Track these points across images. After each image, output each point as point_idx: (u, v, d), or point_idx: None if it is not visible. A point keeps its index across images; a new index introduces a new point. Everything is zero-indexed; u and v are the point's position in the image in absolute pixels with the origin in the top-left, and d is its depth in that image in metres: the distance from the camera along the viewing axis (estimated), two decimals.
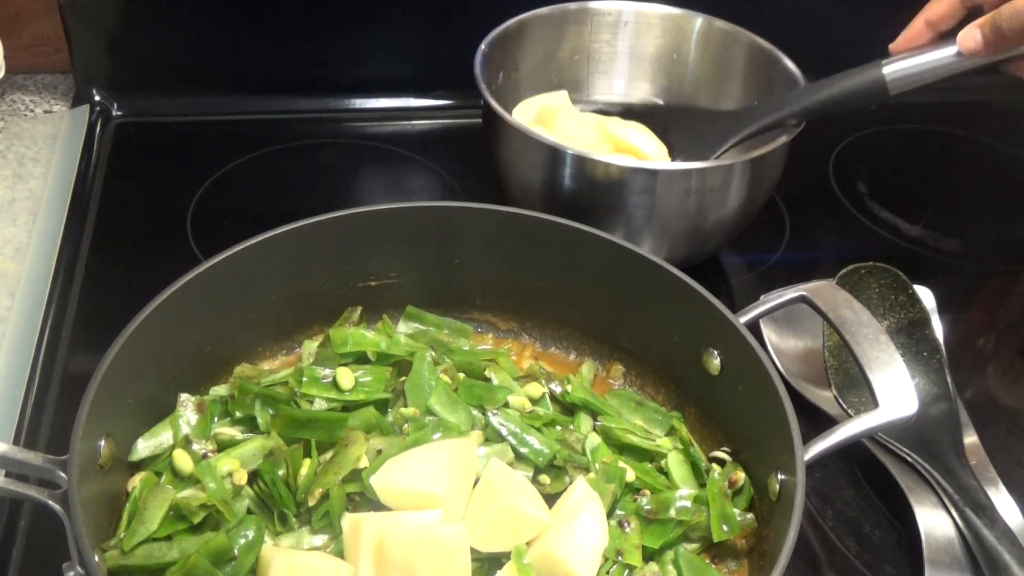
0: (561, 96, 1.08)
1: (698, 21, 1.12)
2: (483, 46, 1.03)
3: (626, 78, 1.16)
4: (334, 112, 1.28)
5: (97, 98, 1.23)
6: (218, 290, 0.79)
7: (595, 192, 0.94)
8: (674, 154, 1.05)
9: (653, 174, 0.93)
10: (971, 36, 0.87)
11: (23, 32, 1.24)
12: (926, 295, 0.95)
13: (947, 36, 0.91)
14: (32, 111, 1.24)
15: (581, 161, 0.94)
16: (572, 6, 1.11)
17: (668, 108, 1.07)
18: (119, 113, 1.23)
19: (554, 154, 0.94)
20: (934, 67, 0.91)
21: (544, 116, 1.05)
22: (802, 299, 0.79)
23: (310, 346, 0.86)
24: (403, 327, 0.89)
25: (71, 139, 1.18)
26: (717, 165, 0.95)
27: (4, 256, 1.03)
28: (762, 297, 0.81)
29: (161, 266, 0.83)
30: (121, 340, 0.71)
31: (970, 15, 0.90)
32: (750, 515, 0.75)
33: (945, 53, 0.90)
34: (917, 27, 0.92)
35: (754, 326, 0.80)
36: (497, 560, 0.69)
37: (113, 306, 0.80)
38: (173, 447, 0.74)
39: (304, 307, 0.87)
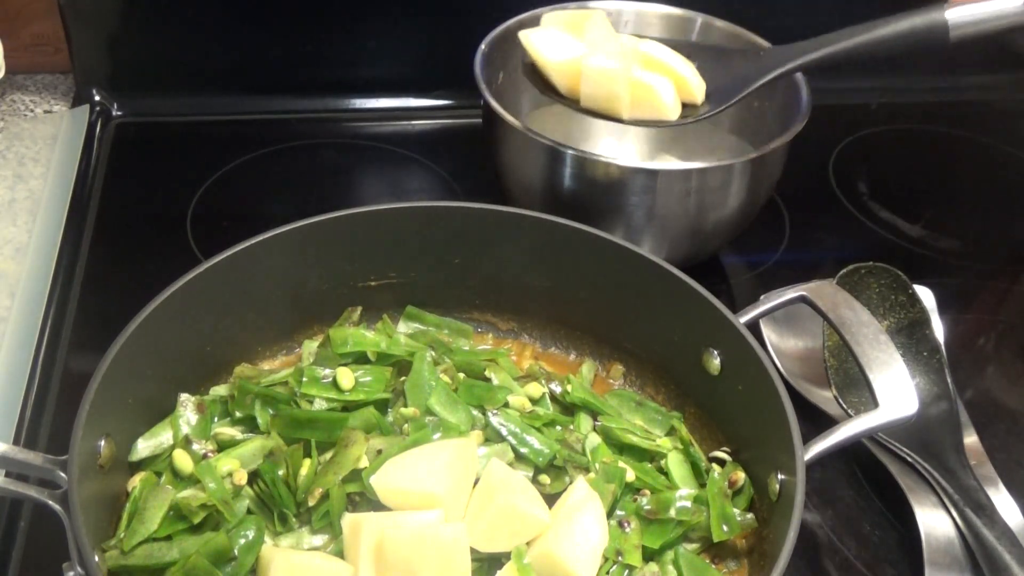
0: (600, 12, 1.03)
1: (698, 21, 1.12)
2: (483, 46, 1.03)
3: None
4: (334, 112, 1.28)
5: (97, 98, 1.23)
6: (218, 290, 0.79)
7: (595, 192, 0.94)
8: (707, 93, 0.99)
9: (653, 174, 0.93)
10: None
11: (23, 32, 1.24)
12: (926, 295, 0.95)
13: None
14: (32, 111, 1.24)
15: (581, 161, 0.94)
16: (572, 6, 1.11)
17: (698, 46, 1.03)
18: (119, 113, 1.23)
19: (554, 154, 0.94)
20: (999, 14, 0.87)
21: (575, 22, 1.00)
22: (802, 299, 0.79)
23: (310, 346, 0.86)
24: (403, 327, 0.89)
25: (71, 139, 1.18)
26: (717, 165, 0.95)
27: (4, 256, 1.03)
28: (762, 297, 0.81)
29: (161, 266, 0.83)
30: (121, 340, 0.71)
31: None
32: (750, 515, 0.75)
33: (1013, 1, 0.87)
34: None
35: (754, 326, 0.80)
36: (497, 560, 0.69)
37: (113, 306, 0.80)
38: (173, 447, 0.74)
39: (304, 307, 0.87)
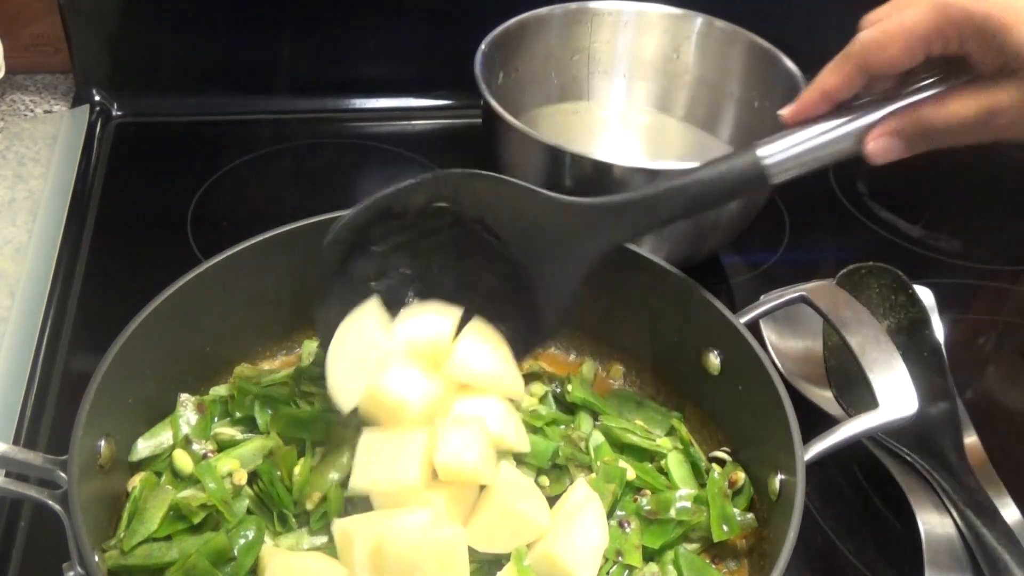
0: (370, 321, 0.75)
1: (698, 21, 1.12)
2: (483, 46, 1.03)
3: (626, 78, 1.16)
4: (334, 112, 1.28)
5: (97, 98, 1.23)
6: (218, 290, 0.79)
7: (595, 192, 0.94)
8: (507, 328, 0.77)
9: (653, 174, 0.93)
10: (885, 148, 0.71)
11: (23, 32, 1.24)
12: (926, 295, 0.95)
13: (844, 107, 0.72)
14: (32, 111, 1.24)
15: (581, 161, 0.94)
16: (572, 6, 1.11)
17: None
18: (119, 113, 1.23)
19: (554, 154, 0.94)
20: (821, 150, 0.72)
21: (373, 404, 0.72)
22: (802, 299, 0.79)
23: (310, 346, 0.86)
24: None
25: (71, 139, 1.18)
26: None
27: (4, 256, 1.03)
28: (762, 297, 0.81)
29: (161, 266, 0.83)
30: (121, 340, 0.71)
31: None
32: (750, 515, 0.75)
33: (837, 136, 0.71)
34: (811, 98, 0.73)
35: (754, 326, 0.80)
36: (497, 561, 0.69)
37: (113, 306, 0.80)
38: (173, 447, 0.74)
39: (304, 307, 0.86)
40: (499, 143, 1.00)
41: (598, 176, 0.94)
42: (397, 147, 1.23)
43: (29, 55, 1.26)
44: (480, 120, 1.03)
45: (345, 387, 0.72)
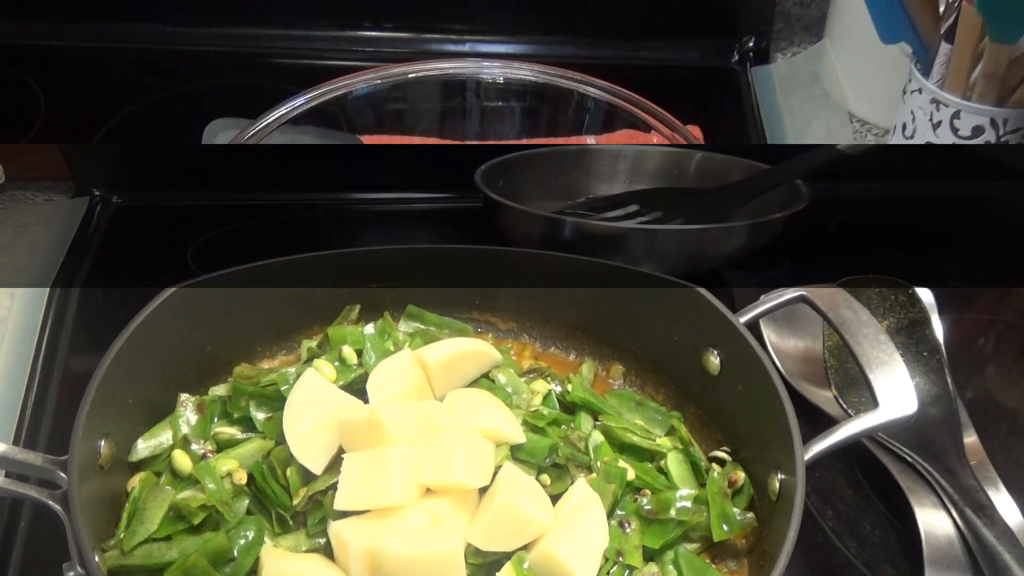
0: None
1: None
2: (483, 167, 1.06)
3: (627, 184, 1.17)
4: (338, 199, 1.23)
5: (97, 193, 1.16)
6: (218, 290, 0.79)
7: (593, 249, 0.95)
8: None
9: (652, 234, 0.97)
10: None
11: (24, 159, 1.15)
12: (926, 295, 0.95)
13: None
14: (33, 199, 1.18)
15: (579, 226, 0.98)
16: (572, 148, 1.11)
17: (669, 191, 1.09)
18: (119, 200, 1.17)
19: (554, 223, 0.98)
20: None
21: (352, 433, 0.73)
22: (802, 299, 0.79)
23: (309, 345, 0.86)
24: (404, 326, 0.89)
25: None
26: (717, 227, 0.99)
27: None
28: (762, 297, 0.81)
29: (162, 267, 0.83)
30: (121, 340, 0.71)
31: None
32: (750, 515, 0.75)
33: None
34: None
35: (754, 326, 0.80)
36: (497, 563, 0.69)
37: (113, 306, 0.80)
38: (173, 447, 0.74)
39: (304, 307, 0.87)
40: (500, 221, 1.03)
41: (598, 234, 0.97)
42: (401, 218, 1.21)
43: (30, 173, 1.18)
44: (479, 204, 1.04)
45: (312, 454, 0.73)
